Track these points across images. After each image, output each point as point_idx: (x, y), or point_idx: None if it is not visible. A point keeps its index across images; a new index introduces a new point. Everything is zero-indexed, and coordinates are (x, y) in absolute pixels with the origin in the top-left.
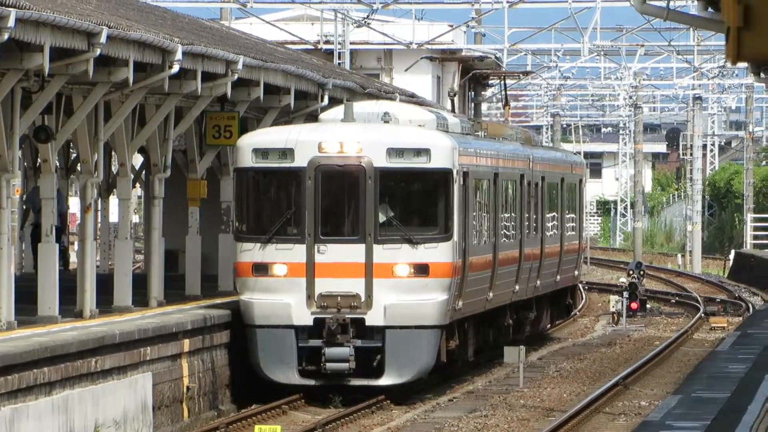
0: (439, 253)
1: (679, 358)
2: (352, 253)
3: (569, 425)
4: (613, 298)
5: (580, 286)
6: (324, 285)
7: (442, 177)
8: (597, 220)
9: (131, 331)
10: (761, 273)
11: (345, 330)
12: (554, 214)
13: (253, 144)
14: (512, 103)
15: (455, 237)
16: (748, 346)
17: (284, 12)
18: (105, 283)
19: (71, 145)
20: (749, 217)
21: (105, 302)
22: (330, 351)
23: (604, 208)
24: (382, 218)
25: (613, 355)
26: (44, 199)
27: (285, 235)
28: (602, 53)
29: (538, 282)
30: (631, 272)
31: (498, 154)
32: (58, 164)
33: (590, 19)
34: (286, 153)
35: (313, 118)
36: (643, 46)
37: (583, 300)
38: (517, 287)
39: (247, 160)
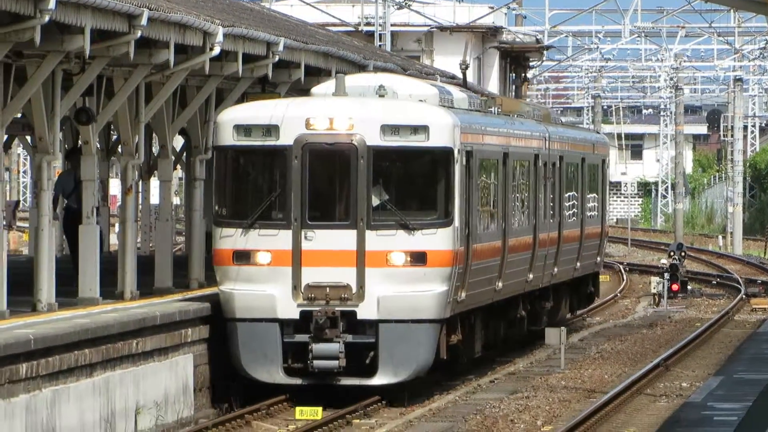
0: (439, 240)
1: (720, 340)
2: (342, 239)
3: (610, 406)
4: (654, 279)
5: (621, 267)
6: (311, 275)
7: (442, 156)
8: (638, 201)
9: (172, 313)
10: None
11: (334, 324)
12: (574, 196)
13: (235, 120)
14: (553, 85)
15: (456, 222)
16: None
17: None
18: (146, 265)
19: (112, 127)
20: None
21: (146, 284)
22: (318, 347)
23: (645, 189)
24: (375, 202)
25: (654, 336)
26: (85, 181)
27: (269, 220)
28: (643, 35)
29: (556, 269)
30: (672, 253)
31: (508, 132)
32: (98, 146)
33: (631, 1)
34: (271, 130)
35: (305, 92)
36: (683, 27)
37: (624, 281)
38: (530, 276)
39: (228, 137)
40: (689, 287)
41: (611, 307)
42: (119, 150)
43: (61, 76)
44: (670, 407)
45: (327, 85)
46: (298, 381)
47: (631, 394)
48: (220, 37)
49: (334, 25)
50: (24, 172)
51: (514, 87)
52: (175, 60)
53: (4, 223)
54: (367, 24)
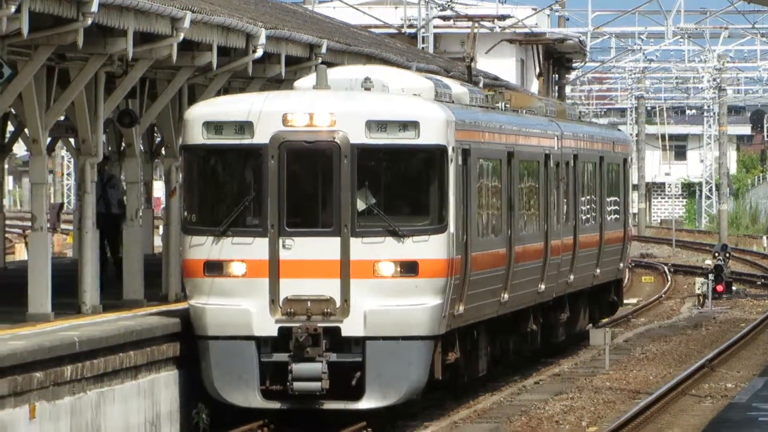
0: (431, 247)
1: (765, 340)
2: (324, 248)
3: (655, 408)
4: (699, 280)
5: (666, 268)
6: (291, 287)
7: (434, 155)
8: (682, 202)
9: None
10: None
11: (316, 342)
12: (591, 198)
13: (204, 116)
14: (596, 86)
15: (451, 228)
16: None
17: None
18: None
19: (155, 129)
20: None
21: None
22: (298, 367)
23: (689, 190)
24: (361, 206)
25: (698, 337)
26: (129, 183)
27: (243, 227)
28: (686, 36)
29: (572, 277)
30: (716, 254)
31: (514, 129)
32: (142, 148)
33: (674, 2)
34: (244, 127)
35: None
36: (726, 28)
37: (669, 282)
38: (542, 286)
39: (197, 135)
40: (734, 288)
41: (656, 308)
42: (163, 152)
43: (104, 78)
44: (715, 408)
45: (310, 78)
46: (276, 405)
47: (676, 395)
48: (262, 39)
49: (377, 27)
50: (68, 174)
51: (557, 88)
52: (218, 62)
53: (48, 225)
54: (410, 26)
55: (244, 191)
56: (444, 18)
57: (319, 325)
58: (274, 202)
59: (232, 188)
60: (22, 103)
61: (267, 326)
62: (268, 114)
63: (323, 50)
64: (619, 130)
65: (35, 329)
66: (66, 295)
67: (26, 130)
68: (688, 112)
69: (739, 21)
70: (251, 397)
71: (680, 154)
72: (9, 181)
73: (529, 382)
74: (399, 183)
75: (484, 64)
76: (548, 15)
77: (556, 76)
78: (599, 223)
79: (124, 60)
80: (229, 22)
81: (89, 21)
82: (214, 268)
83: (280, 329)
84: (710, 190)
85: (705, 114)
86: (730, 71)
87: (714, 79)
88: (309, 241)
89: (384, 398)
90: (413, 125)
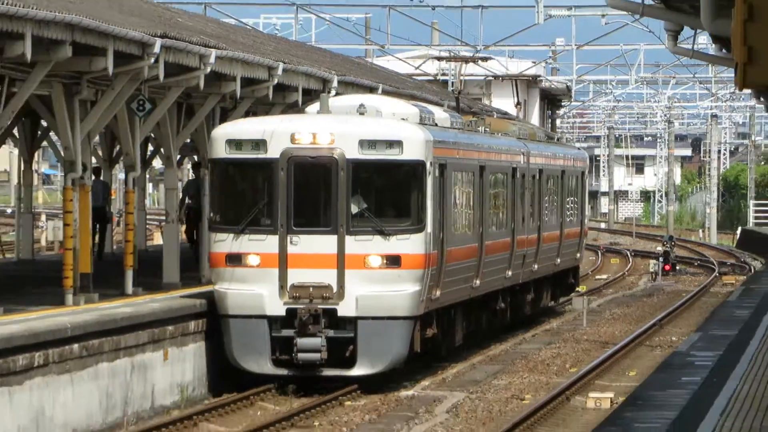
0: (412, 244)
1: (699, 306)
2: (324, 244)
3: (619, 354)
4: (652, 261)
5: (628, 253)
6: (296, 276)
7: (415, 169)
8: (640, 205)
9: None
10: (760, 244)
11: (317, 320)
12: (553, 203)
13: (227, 135)
14: (578, 120)
15: (429, 228)
16: (750, 297)
17: (412, 51)
18: None
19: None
20: (751, 203)
21: None
22: (302, 341)
23: (646, 196)
24: (354, 210)
25: (651, 303)
26: (168, 189)
27: (258, 226)
28: (645, 82)
29: (536, 266)
30: (665, 243)
31: (486, 147)
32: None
33: (636, 57)
34: (259, 144)
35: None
36: (674, 77)
37: (630, 263)
38: (509, 273)
39: (221, 151)
40: (677, 267)
41: (620, 282)
42: None
43: (219, 111)
44: (663, 355)
45: (315, 105)
46: (284, 372)
47: (635, 345)
48: (335, 83)
49: (419, 75)
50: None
51: (550, 121)
52: (302, 101)
53: (177, 219)
54: (443, 74)
55: (259, 197)
56: (496, 77)
57: (319, 307)
58: (284, 205)
59: (249, 194)
60: (159, 129)
61: (277, 307)
62: (279, 133)
63: (380, 91)
64: (579, 149)
65: (167, 294)
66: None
67: (162, 149)
68: (645, 138)
69: (684, 72)
70: (264, 365)
71: (639, 169)
72: (149, 186)
73: (528, 335)
74: (386, 191)
75: (497, 102)
76: (544, 67)
77: (550, 111)
78: (560, 222)
79: (234, 98)
80: (311, 70)
81: (208, 69)
82: (234, 259)
83: (288, 310)
84: (661, 196)
85: (658, 140)
86: (677, 109)
87: (665, 115)
88: (312, 238)
89: (372, 367)
90: (398, 144)
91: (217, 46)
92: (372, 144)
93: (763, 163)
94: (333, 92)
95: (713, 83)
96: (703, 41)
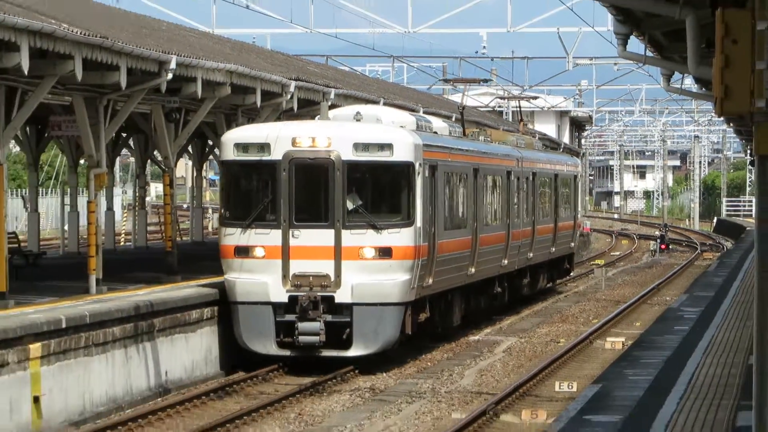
0: (402, 237)
1: (687, 275)
2: (322, 237)
3: (628, 309)
4: (652, 242)
5: (635, 236)
6: (297, 266)
7: (404, 169)
8: (643, 201)
9: None
10: (731, 230)
11: (316, 306)
12: (547, 201)
13: (235, 139)
14: (597, 139)
15: (418, 223)
16: (724, 268)
17: (476, 90)
18: None
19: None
20: (724, 200)
21: None
22: (303, 325)
23: (647, 194)
24: (349, 206)
25: (652, 273)
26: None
27: (263, 221)
28: (646, 112)
29: (531, 254)
30: (661, 229)
31: (479, 152)
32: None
33: (639, 94)
34: (264, 147)
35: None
36: (667, 109)
37: (636, 243)
38: (505, 261)
39: (230, 153)
40: (670, 247)
41: (629, 257)
42: None
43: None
44: (660, 310)
45: (332, 113)
46: (287, 353)
47: (640, 302)
48: (332, 96)
49: (481, 106)
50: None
51: (577, 140)
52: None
53: None
54: (499, 107)
55: (264, 194)
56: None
57: (318, 294)
58: (286, 202)
59: (255, 192)
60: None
61: (280, 295)
62: (281, 138)
63: (331, 96)
64: (574, 157)
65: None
66: None
67: None
68: (646, 153)
69: (674, 105)
70: (269, 347)
71: (642, 175)
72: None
73: (562, 296)
74: (378, 189)
75: (540, 126)
76: (573, 101)
77: (577, 133)
78: (554, 217)
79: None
80: (361, 95)
81: (329, 102)
82: (242, 251)
83: (290, 297)
84: (658, 194)
85: (656, 154)
86: (669, 131)
87: (660, 136)
88: (311, 232)
89: (366, 348)
90: (388, 146)
91: (335, 86)
92: (365, 147)
93: (732, 170)
94: (345, 105)
95: (695, 113)
96: (689, 83)
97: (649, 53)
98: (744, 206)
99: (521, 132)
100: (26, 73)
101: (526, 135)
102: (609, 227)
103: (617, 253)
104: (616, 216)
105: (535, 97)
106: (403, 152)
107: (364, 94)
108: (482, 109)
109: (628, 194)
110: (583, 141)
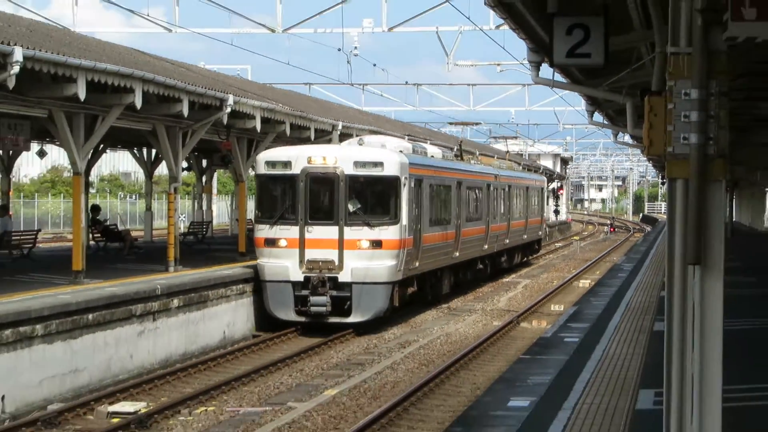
0: (389, 232)
1: (625, 245)
2: (329, 232)
3: (592, 263)
4: (605, 227)
5: (597, 223)
6: (311, 254)
7: (392, 181)
8: (600, 204)
9: None
10: (650, 221)
11: (324, 284)
12: (520, 205)
13: (265, 158)
14: (575, 169)
15: (404, 221)
16: (646, 242)
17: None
18: None
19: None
20: (646, 204)
21: None
22: (314, 299)
23: (603, 200)
24: (350, 209)
25: (605, 244)
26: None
27: (286, 219)
28: (603, 154)
29: (507, 241)
30: (611, 219)
31: (463, 171)
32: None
33: (599, 144)
34: (287, 164)
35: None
36: (614, 154)
37: (596, 227)
38: (485, 246)
39: (262, 168)
40: (616, 230)
41: (593, 236)
42: None
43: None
44: (610, 265)
45: (354, 140)
46: (303, 319)
47: (598, 261)
48: (338, 127)
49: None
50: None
51: (564, 170)
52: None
53: None
54: (518, 153)
55: (286, 199)
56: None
57: (326, 275)
58: (302, 206)
59: (280, 198)
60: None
61: (297, 275)
62: (300, 157)
63: (339, 127)
64: (541, 176)
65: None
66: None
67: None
68: (603, 177)
69: (621, 149)
70: (289, 314)
71: (600, 188)
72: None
73: (551, 257)
74: (372, 196)
75: (543, 161)
76: (563, 148)
77: (564, 165)
78: (525, 216)
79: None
80: (365, 127)
81: (338, 133)
82: (270, 242)
83: (305, 277)
84: (610, 200)
85: (608, 178)
86: (616, 165)
87: (611, 168)
88: (321, 228)
89: (362, 316)
90: (380, 164)
91: (369, 126)
92: (363, 164)
93: (651, 187)
94: (355, 135)
95: (631, 155)
96: (627, 138)
97: (605, 121)
98: (657, 207)
99: (507, 159)
100: (138, 108)
101: (510, 161)
102: (581, 219)
103: (586, 233)
104: (585, 213)
105: (515, 138)
106: (391, 168)
107: (389, 131)
108: (508, 152)
109: (592, 200)
110: (567, 170)
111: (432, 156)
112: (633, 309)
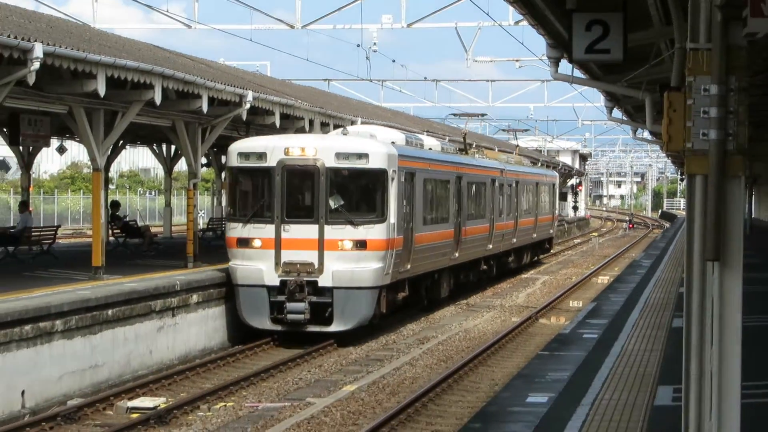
0: (375, 231)
1: (644, 241)
2: (308, 231)
3: (611, 260)
4: (624, 223)
5: (615, 219)
6: (288, 255)
7: (378, 175)
8: (619, 200)
9: None
10: (668, 217)
11: (302, 289)
12: (530, 201)
13: (238, 149)
14: (594, 166)
15: (392, 220)
16: (665, 238)
17: (528, 136)
18: None
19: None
20: (665, 200)
21: None
22: (291, 305)
23: (622, 197)
24: (332, 205)
25: (625, 239)
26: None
27: (260, 217)
28: (622, 150)
29: (514, 240)
30: (630, 216)
31: (462, 164)
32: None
33: (617, 141)
34: (261, 155)
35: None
36: (634, 149)
37: (615, 224)
38: (490, 246)
39: (234, 160)
40: (634, 226)
41: (612, 231)
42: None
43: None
44: (629, 261)
45: (334, 131)
46: (279, 327)
47: (617, 257)
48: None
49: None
50: None
51: (582, 166)
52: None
53: None
54: (538, 150)
55: (261, 195)
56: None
57: (304, 279)
58: (278, 202)
59: (254, 193)
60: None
61: (273, 279)
62: (276, 148)
63: (359, 123)
64: (553, 170)
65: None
66: None
67: None
68: (622, 173)
69: (640, 145)
70: (264, 322)
71: (619, 185)
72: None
73: (571, 252)
74: (356, 191)
75: (562, 157)
76: (582, 143)
77: (582, 162)
78: (535, 213)
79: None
80: (342, 115)
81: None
82: (243, 242)
83: (281, 281)
84: (629, 197)
85: (627, 174)
86: (635, 161)
87: (630, 164)
88: (299, 227)
89: (345, 325)
90: (365, 156)
91: (360, 115)
92: (345, 156)
93: (670, 183)
94: (354, 122)
95: (650, 150)
96: (646, 134)
97: (624, 117)
98: (676, 204)
99: (516, 153)
100: (158, 104)
101: (520, 156)
102: (600, 216)
103: (605, 229)
104: (604, 209)
105: (525, 130)
106: (377, 161)
107: (407, 127)
108: (526, 147)
109: (611, 197)
110: (586, 166)
111: (430, 148)
112: (651, 305)
